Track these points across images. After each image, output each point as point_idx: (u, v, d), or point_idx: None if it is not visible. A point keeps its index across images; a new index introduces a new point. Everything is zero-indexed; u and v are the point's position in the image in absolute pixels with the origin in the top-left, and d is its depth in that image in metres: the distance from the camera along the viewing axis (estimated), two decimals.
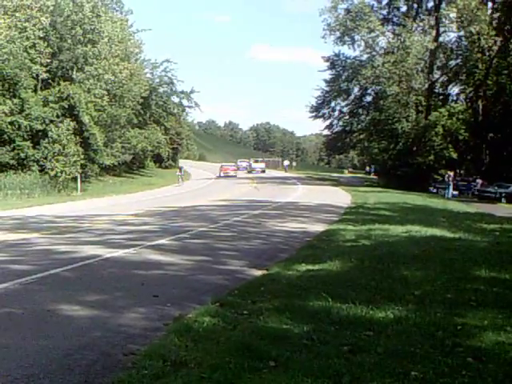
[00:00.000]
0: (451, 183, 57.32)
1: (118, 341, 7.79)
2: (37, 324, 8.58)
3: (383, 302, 9.29)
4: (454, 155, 67.91)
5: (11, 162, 51.71)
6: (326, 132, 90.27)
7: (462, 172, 70.70)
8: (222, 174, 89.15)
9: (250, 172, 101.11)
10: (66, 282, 11.84)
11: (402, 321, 8.27)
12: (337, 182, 76.63)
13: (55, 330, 8.30)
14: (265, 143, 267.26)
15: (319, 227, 23.13)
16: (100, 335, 8.04)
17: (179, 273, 12.99)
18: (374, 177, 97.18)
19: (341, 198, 44.63)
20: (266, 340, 7.30)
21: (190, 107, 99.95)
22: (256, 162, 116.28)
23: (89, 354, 7.22)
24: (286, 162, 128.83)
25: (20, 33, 55.49)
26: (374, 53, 76.63)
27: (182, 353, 6.83)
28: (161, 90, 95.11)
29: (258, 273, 12.82)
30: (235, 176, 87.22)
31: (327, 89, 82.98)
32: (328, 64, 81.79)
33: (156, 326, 8.51)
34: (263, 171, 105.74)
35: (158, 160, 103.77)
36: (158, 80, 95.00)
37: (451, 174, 58.22)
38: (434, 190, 63.98)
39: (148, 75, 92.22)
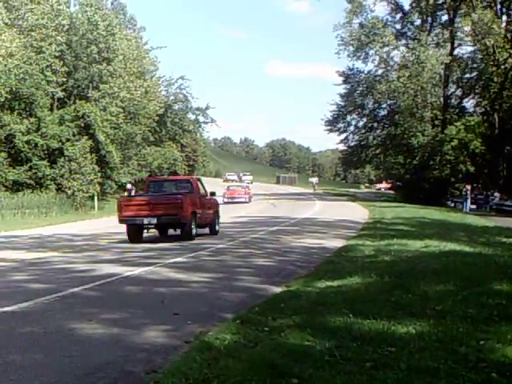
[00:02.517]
0: (469, 197, 56.98)
1: (140, 359, 7.77)
2: (58, 343, 8.58)
3: (404, 317, 9.23)
4: (471, 169, 67.63)
5: (29, 181, 51.99)
6: (342, 147, 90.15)
7: (479, 186, 70.28)
8: (226, 199, 64.03)
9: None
10: (86, 300, 11.87)
11: (424, 336, 8.20)
12: (354, 198, 76.41)
13: (76, 348, 8.29)
14: (280, 159, 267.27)
15: (337, 243, 23.06)
16: (121, 353, 8.02)
17: (198, 290, 12.99)
18: (391, 191, 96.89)
19: (358, 213, 44.51)
20: (287, 357, 7.26)
21: (205, 123, 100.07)
22: (245, 175, 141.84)
23: (111, 372, 7.21)
24: (315, 180, 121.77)
25: (36, 53, 55.85)
26: (388, 67, 76.74)
27: (204, 370, 6.80)
28: (176, 107, 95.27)
29: (278, 289, 12.77)
30: (247, 202, 64.85)
31: (342, 103, 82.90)
32: (343, 78, 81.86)
33: (177, 343, 8.48)
34: (251, 182, 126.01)
35: None
36: (173, 97, 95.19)
37: (468, 187, 57.84)
38: (452, 204, 63.75)
39: (163, 92, 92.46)
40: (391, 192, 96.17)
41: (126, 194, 49.19)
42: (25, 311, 10.70)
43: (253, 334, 8.53)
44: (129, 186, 50.30)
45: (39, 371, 7.19)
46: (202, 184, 28.98)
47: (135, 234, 25.68)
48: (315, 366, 6.92)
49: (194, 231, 25.62)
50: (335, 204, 61.39)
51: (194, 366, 6.99)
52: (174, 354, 7.90)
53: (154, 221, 25.15)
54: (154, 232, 27.86)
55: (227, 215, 43.12)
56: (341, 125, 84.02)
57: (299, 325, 8.86)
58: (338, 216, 39.47)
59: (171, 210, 24.92)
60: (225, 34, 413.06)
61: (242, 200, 64.60)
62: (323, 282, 12.97)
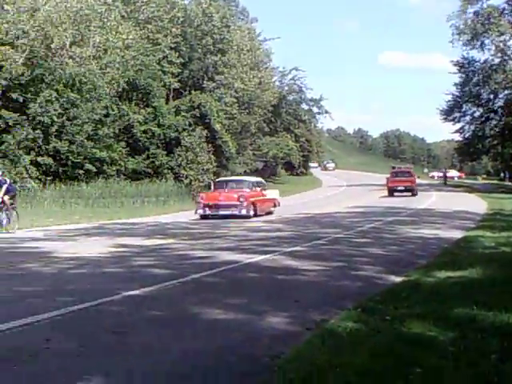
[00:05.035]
0: None
1: (262, 344, 7.82)
2: (181, 327, 8.75)
3: None
4: None
5: (147, 170, 53.14)
6: (457, 137, 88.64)
7: None
8: (201, 211, 34.17)
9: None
10: (207, 286, 12.09)
11: None
12: (470, 189, 74.92)
13: (200, 332, 8.44)
14: (395, 150, 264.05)
15: (455, 234, 22.66)
16: (243, 338, 8.12)
17: (317, 278, 13.00)
18: (509, 183, 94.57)
19: (475, 204, 43.69)
20: (410, 346, 7.19)
21: (319, 114, 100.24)
22: (328, 163, 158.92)
23: (234, 356, 7.28)
24: (455, 173, 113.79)
25: (152, 45, 56.99)
26: (505, 57, 74.93)
27: (327, 357, 6.79)
28: (290, 97, 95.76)
29: (397, 279, 12.65)
30: (248, 217, 33.45)
31: (457, 93, 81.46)
32: (457, 68, 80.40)
33: (299, 330, 8.51)
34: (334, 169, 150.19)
35: (289, 167, 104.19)
36: (287, 88, 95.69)
37: None
38: None
39: (277, 83, 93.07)
40: (509, 183, 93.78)
41: None
42: (149, 295, 10.94)
43: (374, 322, 8.49)
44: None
45: (164, 353, 7.35)
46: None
47: (391, 193, 57.85)
48: (439, 355, 6.84)
49: (415, 192, 58.03)
50: (452, 195, 60.56)
51: (317, 353, 7.00)
52: (296, 340, 7.90)
53: (403, 188, 58.41)
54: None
55: (342, 204, 43.13)
56: (456, 114, 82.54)
57: (421, 315, 8.77)
58: (455, 207, 38.83)
59: (409, 183, 58.54)
60: (339, 25, 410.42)
61: (234, 212, 33.60)
62: (443, 272, 12.78)
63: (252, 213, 33.69)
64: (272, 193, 39.85)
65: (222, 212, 33.53)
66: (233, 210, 33.30)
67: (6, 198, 26.01)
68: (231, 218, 32.09)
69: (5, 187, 26.17)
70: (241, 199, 33.38)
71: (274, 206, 38.38)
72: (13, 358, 7.04)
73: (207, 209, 33.73)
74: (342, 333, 7.92)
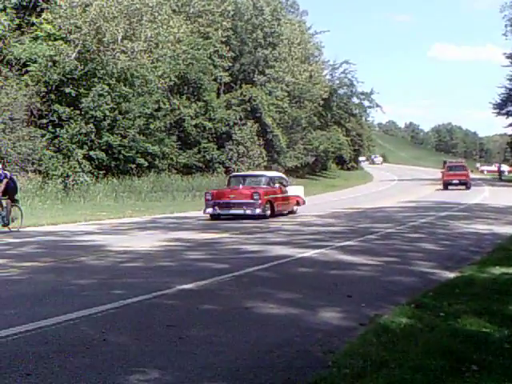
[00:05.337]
0: None
1: (316, 339, 7.82)
2: (236, 321, 8.78)
3: None
4: None
5: (198, 164, 53.38)
6: (510, 131, 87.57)
7: None
8: (210, 210, 29.61)
9: None
10: (260, 280, 12.14)
11: None
12: None
13: (253, 326, 8.49)
14: (446, 144, 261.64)
15: (509, 229, 22.38)
16: (298, 333, 8.12)
17: (369, 273, 12.97)
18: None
19: None
20: (465, 343, 7.14)
21: (370, 107, 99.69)
22: (375, 157, 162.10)
23: (288, 351, 7.30)
24: (505, 167, 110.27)
25: (203, 39, 57.24)
26: None
27: (381, 353, 6.78)
28: (341, 91, 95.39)
29: (451, 275, 12.56)
30: (263, 217, 28.95)
31: (510, 87, 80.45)
32: (510, 61, 79.40)
33: (352, 325, 8.51)
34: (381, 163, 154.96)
35: (340, 162, 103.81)
36: (337, 81, 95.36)
37: None
38: None
39: (327, 77, 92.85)
40: None
41: None
42: (202, 289, 11.03)
43: (428, 318, 8.45)
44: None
45: (218, 348, 7.38)
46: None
47: (446, 186, 59.40)
48: (495, 353, 6.78)
49: (469, 185, 59.43)
50: (505, 190, 59.92)
51: (371, 348, 6.99)
52: (350, 335, 7.91)
53: (457, 181, 59.26)
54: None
55: (394, 199, 42.90)
56: (509, 108, 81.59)
57: (476, 311, 8.72)
58: (509, 202, 38.37)
59: (464, 177, 59.68)
60: (389, 18, 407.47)
61: (247, 211, 29.11)
62: (498, 268, 12.67)
63: (268, 212, 29.46)
64: (295, 190, 34.54)
65: (233, 211, 29.46)
66: (245, 208, 29.05)
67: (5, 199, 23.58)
68: (245, 219, 28.46)
69: (5, 182, 23.67)
70: (255, 197, 28.95)
71: (298, 204, 33.32)
72: (68, 350, 7.17)
73: (217, 207, 29.40)
74: (395, 328, 7.90)
